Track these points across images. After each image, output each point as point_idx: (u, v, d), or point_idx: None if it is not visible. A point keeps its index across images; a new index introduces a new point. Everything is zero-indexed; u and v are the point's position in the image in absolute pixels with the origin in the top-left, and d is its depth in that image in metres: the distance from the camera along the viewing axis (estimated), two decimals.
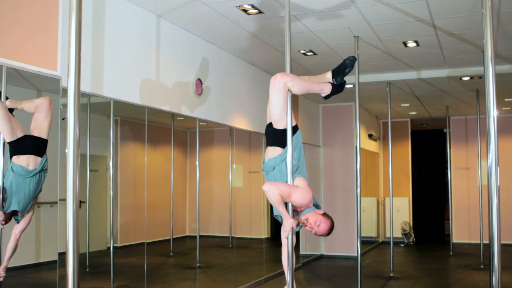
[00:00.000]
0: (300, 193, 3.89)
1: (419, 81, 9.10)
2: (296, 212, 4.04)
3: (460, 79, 8.91)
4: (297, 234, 10.32)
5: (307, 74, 8.76)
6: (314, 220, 3.99)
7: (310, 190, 3.95)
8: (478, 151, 10.44)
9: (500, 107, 11.85)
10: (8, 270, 4.52)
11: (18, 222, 4.36)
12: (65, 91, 2.88)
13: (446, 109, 11.95)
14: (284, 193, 3.78)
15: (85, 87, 4.77)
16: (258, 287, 7.99)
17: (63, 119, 4.43)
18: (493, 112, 3.50)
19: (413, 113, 13.11)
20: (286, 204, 3.89)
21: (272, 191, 3.76)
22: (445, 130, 13.41)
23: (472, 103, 11.19)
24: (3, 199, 4.31)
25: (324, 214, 4.00)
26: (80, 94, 2.75)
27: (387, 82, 8.96)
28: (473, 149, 13.05)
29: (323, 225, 3.99)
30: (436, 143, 14.74)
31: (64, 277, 2.68)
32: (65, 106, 2.75)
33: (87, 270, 5.79)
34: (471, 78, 8.78)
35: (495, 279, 3.49)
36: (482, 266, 9.76)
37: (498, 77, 8.22)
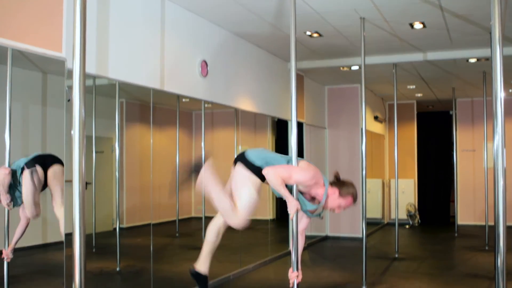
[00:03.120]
0: (300, 172, 3.91)
1: (425, 63, 9.05)
2: (310, 197, 4.06)
3: (467, 61, 8.86)
4: None
5: (312, 56, 8.73)
6: (337, 206, 4.04)
7: (310, 167, 3.96)
8: (484, 133, 10.41)
9: (507, 89, 11.78)
10: (15, 251, 4.56)
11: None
12: (70, 73, 2.88)
13: (453, 91, 11.89)
14: (284, 175, 3.80)
15: (90, 69, 4.76)
16: (263, 268, 8.04)
17: (68, 100, 4.44)
18: (500, 94, 3.48)
19: (419, 95, 13.06)
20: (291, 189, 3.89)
21: (272, 174, 3.77)
22: (451, 112, 13.35)
23: (478, 85, 11.12)
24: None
25: (340, 193, 4.02)
26: (85, 76, 2.75)
27: (393, 64, 8.91)
28: (479, 131, 13.01)
29: (347, 203, 4.07)
30: (442, 125, 14.70)
31: (71, 258, 2.71)
32: (70, 88, 2.75)
33: (94, 250, 5.83)
34: (478, 60, 8.73)
35: (500, 260, 3.50)
36: (487, 248, 9.77)
37: (506, 59, 8.14)
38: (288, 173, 3.84)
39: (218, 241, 4.29)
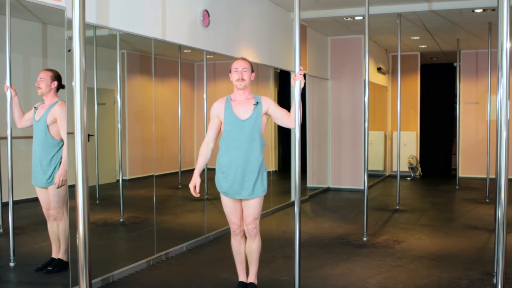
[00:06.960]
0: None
1: (430, 13, 8.91)
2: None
3: (473, 11, 8.71)
4: (304, 165, 10.40)
5: (316, 5, 8.59)
6: (238, 78, 4.56)
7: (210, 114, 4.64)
8: (488, 86, 10.34)
9: None
10: (20, 202, 4.61)
11: None
12: (70, 23, 2.84)
13: (457, 42, 11.75)
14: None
15: (91, 18, 4.70)
16: (265, 218, 8.13)
17: (69, 50, 4.39)
18: (506, 45, 3.43)
19: (423, 46, 12.92)
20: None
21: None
22: (455, 64, 13.23)
23: (483, 37, 10.99)
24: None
25: (230, 75, 4.65)
26: (85, 25, 2.71)
27: (398, 14, 8.77)
28: (483, 84, 12.93)
29: (236, 67, 4.58)
30: (446, 77, 14.59)
31: (74, 209, 2.72)
32: (70, 38, 2.71)
33: (97, 202, 5.88)
34: (484, 10, 8.58)
35: (500, 212, 3.52)
36: (487, 200, 9.84)
37: None
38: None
39: (242, 252, 4.69)
